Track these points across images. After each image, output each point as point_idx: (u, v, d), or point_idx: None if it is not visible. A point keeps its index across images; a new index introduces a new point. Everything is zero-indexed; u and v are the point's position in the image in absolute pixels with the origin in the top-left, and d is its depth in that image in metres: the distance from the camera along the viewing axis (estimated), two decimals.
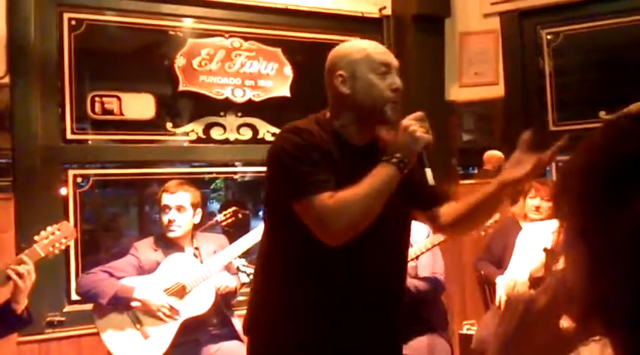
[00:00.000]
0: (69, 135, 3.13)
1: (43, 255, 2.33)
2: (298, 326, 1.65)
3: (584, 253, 0.59)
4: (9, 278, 2.21)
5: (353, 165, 1.58)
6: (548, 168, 3.85)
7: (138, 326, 2.66)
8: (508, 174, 1.66)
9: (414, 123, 1.57)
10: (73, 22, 3.14)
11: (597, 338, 0.62)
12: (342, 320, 1.64)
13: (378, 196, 1.52)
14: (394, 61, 1.68)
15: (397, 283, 1.76)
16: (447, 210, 1.75)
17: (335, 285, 1.63)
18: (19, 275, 2.20)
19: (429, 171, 1.56)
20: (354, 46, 1.76)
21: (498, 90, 3.88)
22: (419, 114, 1.61)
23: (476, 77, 3.93)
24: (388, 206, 1.55)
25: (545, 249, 2.39)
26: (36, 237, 2.36)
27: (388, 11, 3.80)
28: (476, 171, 3.96)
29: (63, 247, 2.44)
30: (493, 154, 3.90)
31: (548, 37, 3.90)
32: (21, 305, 2.22)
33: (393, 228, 1.69)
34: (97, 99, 3.20)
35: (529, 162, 1.62)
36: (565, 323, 0.66)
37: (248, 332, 1.78)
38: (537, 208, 3.23)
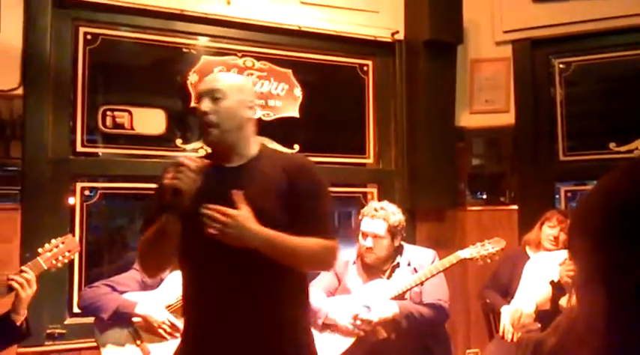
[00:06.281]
0: (79, 148, 3.15)
1: (45, 267, 2.32)
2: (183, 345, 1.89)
3: (602, 294, 0.57)
4: (11, 288, 2.21)
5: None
6: (556, 195, 3.85)
7: (138, 342, 2.63)
8: None
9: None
10: (89, 37, 3.18)
11: None
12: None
13: (149, 241, 1.76)
14: (203, 87, 1.83)
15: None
16: None
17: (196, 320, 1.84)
18: (21, 284, 2.19)
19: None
20: None
21: (509, 118, 3.88)
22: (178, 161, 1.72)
23: (486, 104, 3.93)
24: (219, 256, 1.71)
25: (551, 282, 2.36)
26: (40, 250, 2.36)
27: (401, 36, 3.82)
28: (484, 197, 3.95)
29: (66, 261, 2.43)
30: None
31: (560, 66, 3.90)
32: (21, 316, 2.21)
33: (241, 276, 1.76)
34: (108, 113, 3.22)
35: None
36: None
37: None
38: (555, 238, 3.18)
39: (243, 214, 1.64)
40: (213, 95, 1.80)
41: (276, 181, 1.77)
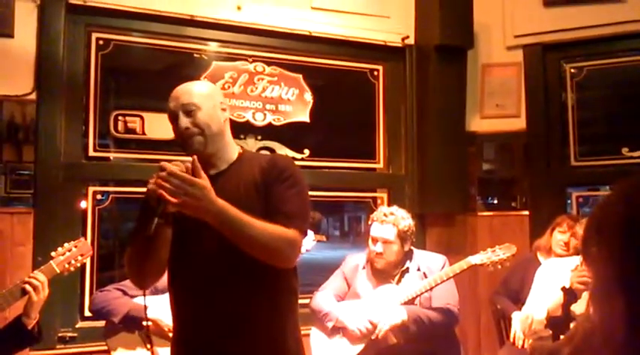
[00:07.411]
0: (91, 152, 3.18)
1: (58, 271, 2.34)
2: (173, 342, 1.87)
3: (623, 303, 0.56)
4: (24, 292, 2.22)
5: None
6: (568, 201, 3.82)
7: (148, 345, 2.64)
8: None
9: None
10: (101, 42, 3.21)
11: None
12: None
13: (137, 247, 1.72)
14: (175, 104, 1.78)
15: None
16: None
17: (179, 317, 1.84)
18: (34, 287, 2.21)
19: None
20: None
21: (520, 123, 3.86)
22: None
23: (497, 109, 3.91)
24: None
25: (563, 288, 2.33)
26: (53, 253, 2.37)
27: (411, 41, 3.82)
28: (495, 202, 3.93)
29: (79, 265, 2.45)
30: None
31: (572, 71, 3.88)
32: (32, 320, 2.23)
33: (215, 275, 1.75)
34: (120, 117, 3.25)
35: None
36: None
37: None
38: (566, 244, 3.15)
39: (205, 183, 1.58)
40: (187, 109, 1.77)
41: (254, 183, 1.76)
